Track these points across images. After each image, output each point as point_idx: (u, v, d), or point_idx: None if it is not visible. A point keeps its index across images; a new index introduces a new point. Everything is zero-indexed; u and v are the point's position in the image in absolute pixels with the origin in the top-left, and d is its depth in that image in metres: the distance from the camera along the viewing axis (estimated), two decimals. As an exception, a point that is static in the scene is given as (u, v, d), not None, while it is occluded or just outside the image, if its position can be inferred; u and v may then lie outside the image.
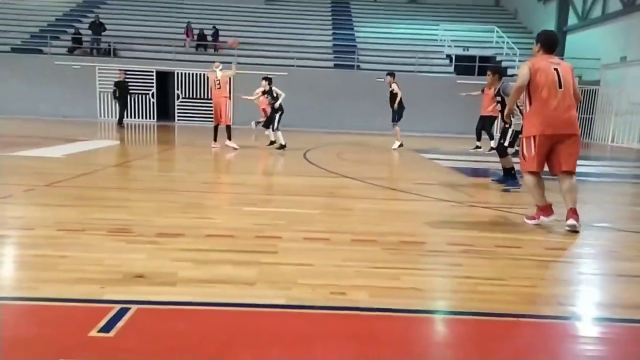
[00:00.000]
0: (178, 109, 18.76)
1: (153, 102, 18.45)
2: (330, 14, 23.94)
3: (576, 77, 3.97)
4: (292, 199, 5.31)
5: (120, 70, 16.10)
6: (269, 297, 2.49)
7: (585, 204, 5.84)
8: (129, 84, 16.24)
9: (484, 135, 11.46)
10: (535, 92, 4.07)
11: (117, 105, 15.68)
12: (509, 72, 18.53)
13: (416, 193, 5.71)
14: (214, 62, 10.28)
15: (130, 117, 17.87)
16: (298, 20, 22.69)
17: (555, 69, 4.08)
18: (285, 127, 10.34)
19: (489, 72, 6.83)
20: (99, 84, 18.37)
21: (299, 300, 2.47)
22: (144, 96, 18.27)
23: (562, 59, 4.37)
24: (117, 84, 15.43)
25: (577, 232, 4.00)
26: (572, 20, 20.72)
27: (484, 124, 11.32)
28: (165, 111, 19.80)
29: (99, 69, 18.31)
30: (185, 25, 20.26)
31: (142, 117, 18.45)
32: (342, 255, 3.21)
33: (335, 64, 19.81)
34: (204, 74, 17.86)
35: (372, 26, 22.68)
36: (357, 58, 19.57)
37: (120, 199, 4.91)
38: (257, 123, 13.69)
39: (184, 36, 20.07)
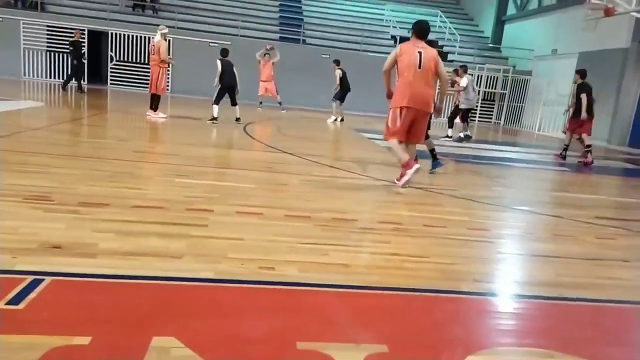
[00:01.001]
0: (111, 72, 17.73)
1: (84, 63, 17.25)
2: (277, -16, 23.34)
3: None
4: (228, 172, 5.22)
5: (76, 29, 14.84)
6: (196, 271, 2.44)
7: (510, 188, 6.19)
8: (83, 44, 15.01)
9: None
10: (400, 70, 4.69)
11: (74, 67, 14.35)
12: (449, 57, 19.05)
13: (352, 171, 5.78)
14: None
15: (57, 77, 16.71)
16: (244, -12, 21.94)
17: (419, 52, 4.65)
18: (227, 99, 10.06)
19: None
20: (24, 40, 16.95)
21: (227, 275, 2.44)
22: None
23: (431, 44, 4.94)
24: (72, 43, 14.25)
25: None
26: (511, 10, 21.53)
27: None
28: (97, 74, 18.65)
29: (23, 24, 16.86)
30: (122, -18, 19.02)
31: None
32: (274, 230, 3.21)
33: (280, 37, 19.43)
34: (141, 36, 16.97)
35: (320, 0, 22.39)
36: (303, 32, 19.31)
37: (41, 164, 4.59)
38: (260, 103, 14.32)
39: (120, -6, 18.85)
